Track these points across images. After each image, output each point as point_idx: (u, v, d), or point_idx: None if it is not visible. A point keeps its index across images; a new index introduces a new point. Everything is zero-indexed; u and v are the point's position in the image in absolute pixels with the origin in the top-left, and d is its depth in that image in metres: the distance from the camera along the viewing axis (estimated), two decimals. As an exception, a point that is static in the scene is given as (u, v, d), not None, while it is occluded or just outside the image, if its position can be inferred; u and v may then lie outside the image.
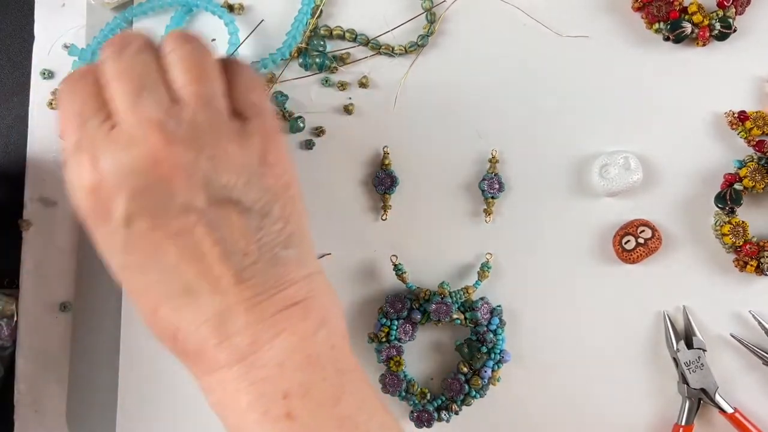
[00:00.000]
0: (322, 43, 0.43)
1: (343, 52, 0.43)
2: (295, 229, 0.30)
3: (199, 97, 0.28)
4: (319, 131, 0.43)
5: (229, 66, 0.30)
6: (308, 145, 0.43)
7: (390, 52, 0.43)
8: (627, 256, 0.41)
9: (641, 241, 0.41)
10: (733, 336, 0.42)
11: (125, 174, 0.27)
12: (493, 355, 0.40)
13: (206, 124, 0.28)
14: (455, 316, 0.41)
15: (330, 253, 0.42)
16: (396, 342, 0.41)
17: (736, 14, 0.42)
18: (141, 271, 0.29)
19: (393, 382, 0.40)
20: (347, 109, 0.43)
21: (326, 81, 0.43)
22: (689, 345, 0.41)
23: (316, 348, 0.29)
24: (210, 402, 0.30)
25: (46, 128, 0.42)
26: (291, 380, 0.28)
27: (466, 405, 0.41)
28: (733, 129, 0.42)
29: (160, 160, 0.27)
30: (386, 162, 0.42)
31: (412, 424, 0.41)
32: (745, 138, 0.42)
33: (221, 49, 0.42)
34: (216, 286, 0.28)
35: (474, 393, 0.40)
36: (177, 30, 0.30)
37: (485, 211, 0.42)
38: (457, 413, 0.41)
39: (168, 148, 0.27)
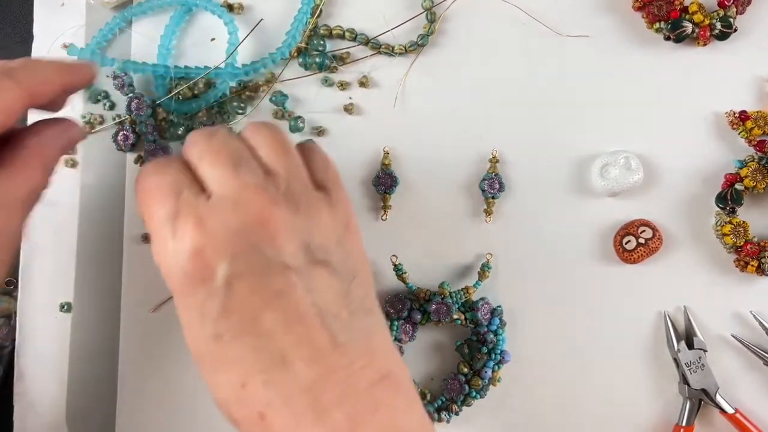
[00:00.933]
0: (321, 42, 0.43)
1: (343, 51, 0.43)
2: (375, 298, 0.31)
3: (289, 169, 0.30)
4: (319, 131, 0.43)
5: (304, 147, 0.33)
6: (308, 145, 0.43)
7: (390, 51, 0.43)
8: (627, 256, 0.41)
9: (642, 241, 0.41)
10: (734, 336, 0.42)
11: (232, 234, 0.27)
12: (493, 356, 0.40)
13: (299, 190, 0.29)
14: (455, 317, 0.41)
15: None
16: (396, 342, 0.41)
17: (736, 14, 0.42)
18: (235, 340, 0.27)
19: (393, 382, 0.40)
20: (347, 109, 0.43)
21: (326, 81, 0.43)
22: (690, 345, 0.41)
23: (411, 426, 0.28)
24: None
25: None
26: None
27: (467, 405, 0.41)
28: (733, 129, 0.42)
29: (267, 218, 0.28)
30: (386, 162, 0.42)
31: (412, 424, 0.40)
32: (745, 138, 0.42)
33: (221, 49, 0.42)
34: (313, 353, 0.27)
35: (474, 393, 0.40)
36: (254, 123, 0.32)
37: (485, 211, 0.42)
38: (457, 414, 0.41)
39: (273, 208, 0.28)
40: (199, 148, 0.30)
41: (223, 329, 0.27)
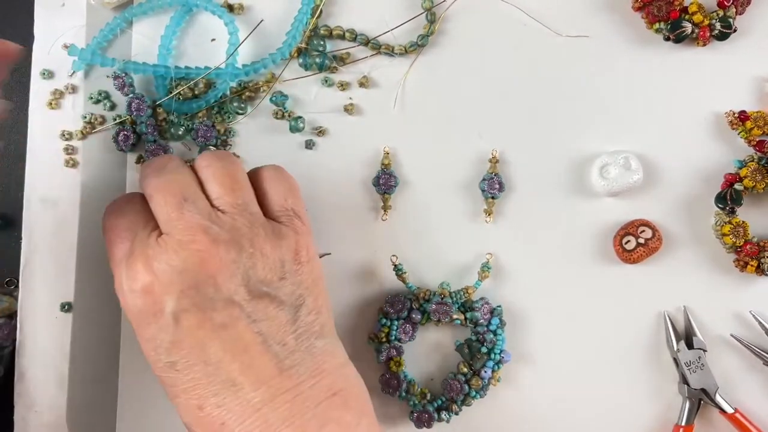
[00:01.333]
0: (322, 42, 0.43)
1: (343, 52, 0.43)
2: (326, 320, 0.33)
3: (235, 206, 0.32)
4: (319, 131, 0.43)
5: (265, 174, 0.34)
6: (308, 145, 0.43)
7: (390, 51, 0.43)
8: (627, 256, 0.41)
9: (641, 241, 0.41)
10: (733, 336, 0.42)
11: (176, 273, 0.29)
12: (493, 356, 0.40)
13: (244, 227, 0.31)
14: (455, 317, 0.41)
15: (330, 253, 0.42)
16: (396, 342, 0.41)
17: (736, 14, 0.42)
18: (187, 368, 0.30)
19: (393, 382, 0.40)
20: (347, 109, 0.43)
21: (326, 81, 0.43)
22: (689, 345, 0.41)
23: None
24: None
25: (45, 128, 0.42)
26: None
27: (466, 405, 0.41)
28: (733, 129, 0.42)
29: (207, 259, 0.30)
30: (386, 162, 0.42)
31: (412, 424, 0.41)
32: (745, 138, 0.42)
33: (221, 50, 0.42)
34: (259, 377, 0.30)
35: (474, 393, 0.40)
36: (209, 150, 0.34)
37: (485, 211, 0.42)
38: (457, 413, 0.41)
39: (214, 249, 0.30)
40: (149, 184, 0.32)
41: (175, 359, 0.30)
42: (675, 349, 0.41)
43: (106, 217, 0.34)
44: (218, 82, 0.42)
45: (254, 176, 0.35)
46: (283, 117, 0.42)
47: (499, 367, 0.41)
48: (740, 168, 0.41)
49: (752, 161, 0.41)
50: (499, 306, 0.41)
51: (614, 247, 0.42)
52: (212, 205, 0.32)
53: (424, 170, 0.43)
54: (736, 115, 0.42)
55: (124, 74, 0.41)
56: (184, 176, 0.32)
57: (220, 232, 0.30)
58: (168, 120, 0.42)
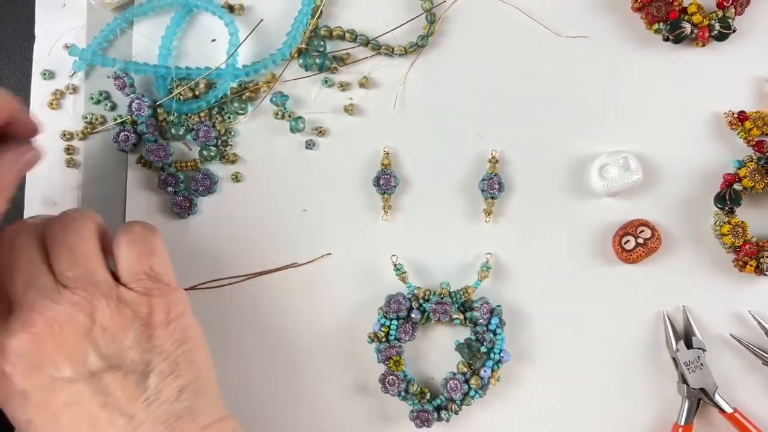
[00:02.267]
0: (322, 43, 0.43)
1: (343, 52, 0.43)
2: (189, 382, 0.32)
3: (74, 280, 0.31)
4: (319, 131, 0.43)
5: (118, 239, 0.33)
6: (309, 145, 0.43)
7: (390, 52, 0.43)
8: (627, 256, 0.41)
9: (641, 241, 0.41)
10: (732, 336, 0.42)
11: (17, 355, 0.30)
12: (492, 355, 0.40)
13: (82, 302, 0.31)
14: (455, 316, 0.41)
15: (330, 253, 0.42)
16: (396, 342, 0.41)
17: (735, 14, 0.42)
18: None
19: (393, 382, 0.40)
20: (347, 110, 0.43)
21: (326, 81, 0.43)
22: (689, 345, 0.41)
23: None
24: None
25: (46, 128, 0.42)
26: None
27: (466, 405, 0.41)
28: (732, 129, 0.42)
29: (43, 341, 0.30)
30: (386, 162, 0.42)
31: (412, 424, 0.41)
32: (744, 138, 0.42)
33: (222, 50, 0.42)
34: None
35: (473, 393, 0.40)
36: (58, 217, 0.33)
37: (485, 211, 0.42)
38: (456, 413, 0.41)
39: (48, 331, 0.30)
40: (1, 258, 0.32)
41: None
42: (674, 348, 0.41)
43: None
44: (219, 83, 0.42)
45: (119, 238, 0.34)
46: (283, 117, 0.42)
47: (498, 367, 0.41)
48: (739, 168, 0.41)
49: (751, 161, 0.41)
50: (499, 306, 0.42)
51: (613, 247, 0.42)
52: (58, 280, 0.31)
53: (424, 170, 0.43)
54: (735, 115, 0.42)
55: (124, 74, 0.41)
56: (29, 252, 0.32)
57: (58, 312, 0.30)
58: (168, 120, 0.42)
